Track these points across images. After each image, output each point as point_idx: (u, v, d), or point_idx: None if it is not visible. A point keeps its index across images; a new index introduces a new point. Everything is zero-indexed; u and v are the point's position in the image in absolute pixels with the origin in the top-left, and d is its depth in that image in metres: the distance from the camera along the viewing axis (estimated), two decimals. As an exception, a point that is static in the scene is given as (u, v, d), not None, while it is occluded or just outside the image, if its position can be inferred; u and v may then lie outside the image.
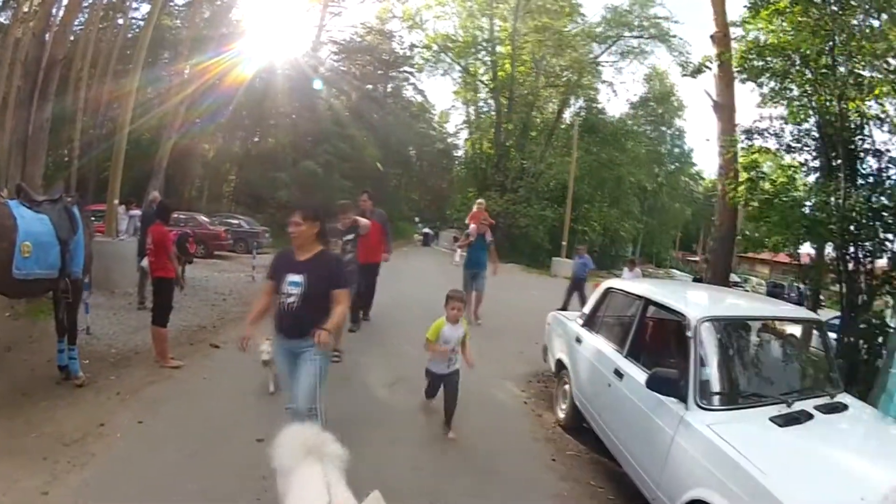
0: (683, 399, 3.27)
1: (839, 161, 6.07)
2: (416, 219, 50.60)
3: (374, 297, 8.41)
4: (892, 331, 5.47)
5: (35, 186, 10.75)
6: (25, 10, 13.44)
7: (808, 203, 6.63)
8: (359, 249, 6.98)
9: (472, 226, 9.42)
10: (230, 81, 21.98)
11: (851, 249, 5.98)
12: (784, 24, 6.33)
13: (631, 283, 5.32)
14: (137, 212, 11.69)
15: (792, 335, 4.39)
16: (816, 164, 6.69)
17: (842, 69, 5.98)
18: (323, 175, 28.25)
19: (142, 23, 19.80)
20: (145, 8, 21.95)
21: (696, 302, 3.95)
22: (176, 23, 26.24)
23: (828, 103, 6.01)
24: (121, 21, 21.04)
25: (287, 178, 27.16)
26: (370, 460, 3.82)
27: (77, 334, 4.97)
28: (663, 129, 43.42)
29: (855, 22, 5.85)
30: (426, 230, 43.85)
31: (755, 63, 6.97)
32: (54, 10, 11.38)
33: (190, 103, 18.70)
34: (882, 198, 5.58)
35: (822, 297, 7.49)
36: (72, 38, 14.25)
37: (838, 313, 6.56)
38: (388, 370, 6.03)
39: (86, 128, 17.74)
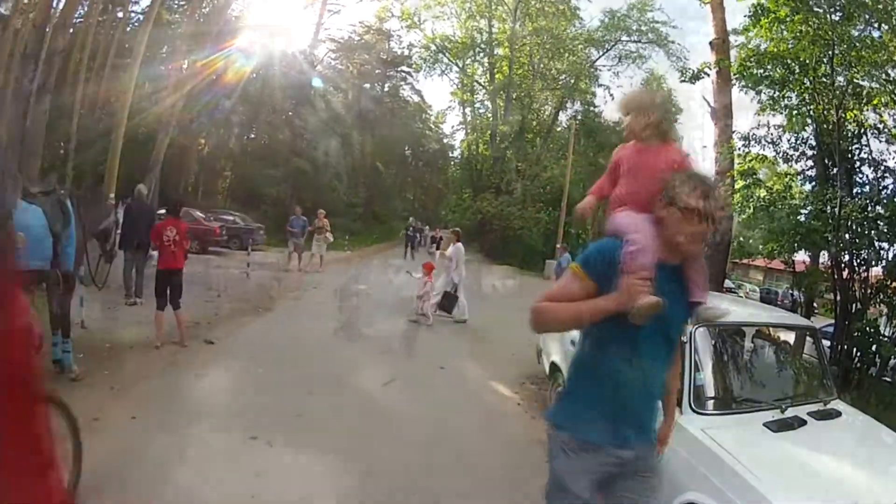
0: (678, 403, 3.28)
1: (836, 170, 6.10)
2: (410, 219, 49.74)
3: None
4: (885, 340, 5.52)
5: (32, 179, 10.69)
6: (26, 0, 13.38)
7: (803, 211, 6.65)
8: None
9: (620, 215, 1.98)
10: (227, 78, 21.96)
11: (846, 258, 6.02)
12: (784, 32, 6.35)
13: None
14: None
15: (786, 342, 4.40)
16: (813, 172, 6.72)
17: (840, 79, 6.02)
18: (313, 174, 28.11)
19: (141, 17, 19.72)
20: (145, 1, 21.92)
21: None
22: (175, 17, 26.16)
23: (826, 112, 6.03)
24: (120, 14, 20.96)
25: (280, 174, 27.09)
26: (362, 459, 3.85)
27: (70, 327, 4.93)
28: (660, 134, 43.34)
29: (855, 32, 5.88)
30: (412, 229, 28.45)
31: (754, 71, 6.98)
32: (55, 2, 11.36)
33: (187, 99, 18.65)
34: (878, 207, 5.60)
35: (815, 305, 7.54)
36: (71, 30, 14.19)
37: (832, 321, 6.58)
38: (381, 370, 6.00)
39: (83, 123, 17.65)
